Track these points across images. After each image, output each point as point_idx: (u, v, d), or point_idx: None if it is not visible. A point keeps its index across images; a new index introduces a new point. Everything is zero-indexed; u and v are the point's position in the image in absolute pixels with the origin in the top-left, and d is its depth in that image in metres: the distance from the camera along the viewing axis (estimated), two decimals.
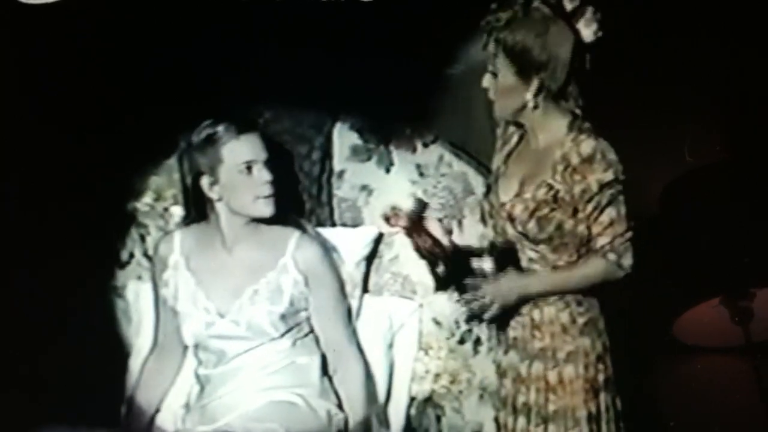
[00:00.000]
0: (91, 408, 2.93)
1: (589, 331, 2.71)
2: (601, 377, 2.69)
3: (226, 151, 2.89)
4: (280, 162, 3.03)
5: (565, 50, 2.59)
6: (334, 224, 3.23)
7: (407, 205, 3.02)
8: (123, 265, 3.17)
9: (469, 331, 3.14)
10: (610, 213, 2.63)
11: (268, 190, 2.90)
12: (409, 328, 3.15)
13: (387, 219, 3.04)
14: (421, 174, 3.19)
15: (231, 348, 2.94)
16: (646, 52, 3.43)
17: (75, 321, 3.03)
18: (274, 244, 2.97)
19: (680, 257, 3.45)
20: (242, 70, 3.16)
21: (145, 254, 3.14)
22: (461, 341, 3.15)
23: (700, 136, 3.57)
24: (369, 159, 3.24)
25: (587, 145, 2.63)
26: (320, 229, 3.14)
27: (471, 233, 3.06)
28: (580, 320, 2.72)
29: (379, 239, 3.18)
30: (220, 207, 2.95)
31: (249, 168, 2.89)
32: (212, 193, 2.92)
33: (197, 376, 3.01)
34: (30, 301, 2.98)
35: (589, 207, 2.64)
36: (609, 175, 2.62)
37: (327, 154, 3.24)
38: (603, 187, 2.62)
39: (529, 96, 2.63)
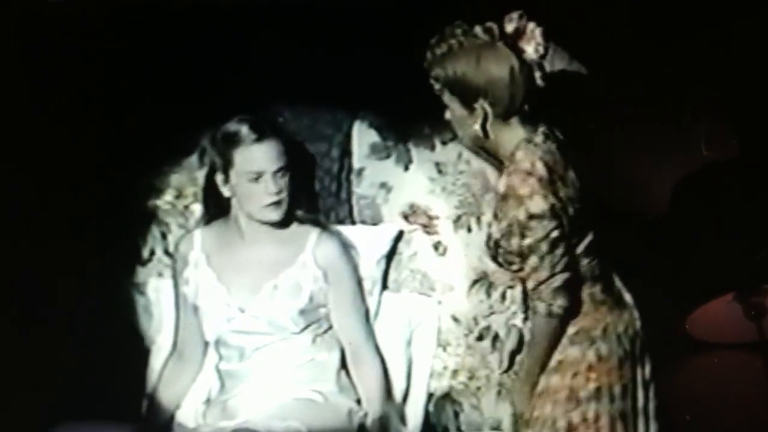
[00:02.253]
0: (113, 403, 2.96)
1: (580, 340, 2.69)
2: (591, 386, 2.66)
3: (237, 156, 2.90)
4: (298, 161, 3.04)
5: (503, 72, 2.57)
6: (353, 222, 3.23)
7: (426, 202, 3.11)
8: (144, 263, 3.19)
9: (487, 327, 3.14)
10: (532, 258, 2.59)
11: (274, 198, 2.90)
12: (427, 325, 3.15)
13: (406, 216, 3.18)
14: (440, 171, 3.18)
15: (251, 343, 2.94)
16: (654, 48, 3.42)
17: (97, 317, 3.06)
18: (294, 240, 2.98)
19: (693, 254, 3.43)
20: (263, 68, 3.18)
21: (166, 251, 3.16)
22: (479, 338, 3.15)
23: (711, 133, 3.54)
24: (388, 157, 3.23)
25: (502, 182, 2.61)
26: (340, 227, 3.15)
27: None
28: (570, 330, 2.70)
29: (398, 237, 3.18)
30: (235, 204, 2.97)
31: (257, 178, 2.89)
32: (225, 191, 2.95)
33: (218, 371, 3.02)
34: (53, 298, 3.01)
35: (513, 247, 2.61)
36: (521, 213, 2.56)
37: (346, 152, 3.24)
38: (522, 227, 2.58)
39: (476, 127, 2.63)
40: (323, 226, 3.02)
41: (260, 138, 2.91)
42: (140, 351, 3.10)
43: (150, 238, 3.18)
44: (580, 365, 2.66)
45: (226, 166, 2.91)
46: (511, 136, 2.64)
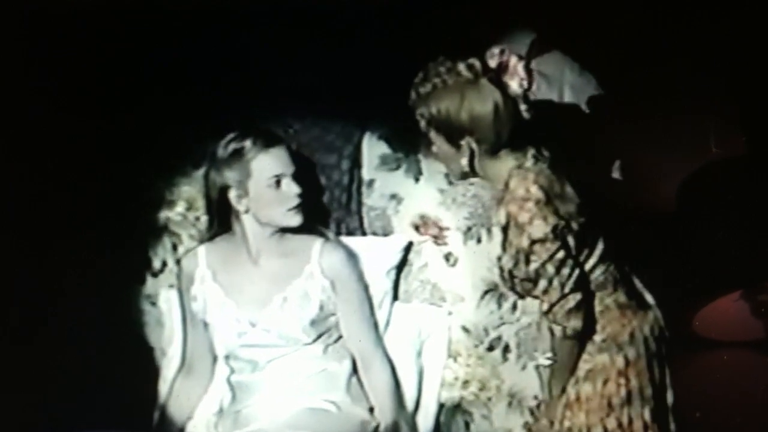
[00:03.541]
0: (124, 415, 2.94)
1: (608, 347, 2.70)
2: (623, 392, 2.68)
3: (255, 165, 2.89)
4: (306, 172, 3.04)
5: (487, 109, 2.56)
6: (364, 233, 3.22)
7: (436, 213, 3.08)
8: (156, 274, 3.19)
9: (498, 338, 3.13)
10: (541, 282, 2.60)
11: (297, 201, 2.91)
12: (438, 336, 3.15)
13: (417, 227, 3.16)
14: (450, 183, 3.15)
15: (263, 356, 2.95)
16: (662, 45, 3.44)
17: (108, 328, 3.07)
18: (299, 252, 2.98)
19: (700, 251, 3.44)
20: (271, 80, 3.18)
21: (178, 262, 3.14)
22: (490, 348, 3.14)
23: (720, 130, 3.57)
24: (398, 168, 3.22)
25: (501, 213, 2.60)
26: (350, 239, 3.14)
27: (499, 241, 2.92)
28: (598, 337, 2.71)
29: (408, 247, 3.17)
30: (246, 219, 2.95)
31: (278, 182, 2.89)
32: (240, 206, 2.93)
33: (229, 383, 3.02)
34: (64, 308, 3.02)
35: (522, 274, 2.63)
36: (524, 241, 2.56)
37: (356, 164, 3.23)
38: (526, 253, 2.58)
39: (464, 162, 2.63)
40: (325, 236, 3.02)
41: (269, 144, 2.91)
42: (151, 362, 3.11)
43: (161, 249, 3.18)
44: (610, 372, 2.67)
45: (243, 179, 2.90)
46: (501, 167, 2.64)
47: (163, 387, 3.07)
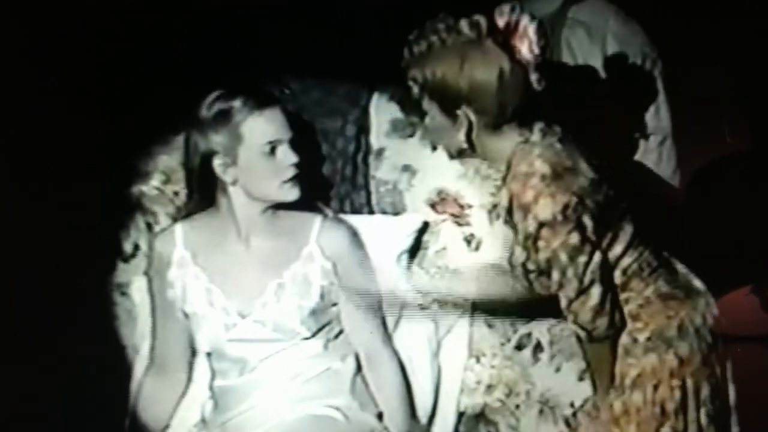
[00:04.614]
0: (92, 422, 2.84)
1: (655, 346, 2.56)
2: (677, 395, 2.56)
3: (246, 128, 2.76)
4: (305, 140, 2.94)
5: (491, 74, 2.43)
6: (371, 211, 3.11)
7: (457, 188, 3.02)
8: (127, 259, 3.04)
9: (528, 334, 3.00)
10: (554, 273, 2.49)
11: (293, 172, 2.79)
12: (457, 333, 3.02)
13: (433, 205, 3.06)
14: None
15: (254, 353, 2.81)
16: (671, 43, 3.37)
17: (73, 322, 2.90)
18: (295, 231, 2.88)
19: (710, 246, 3.36)
20: (264, 34, 3.11)
21: (152, 246, 2.99)
22: (519, 347, 3.01)
23: (734, 122, 3.62)
24: (412, 135, 3.09)
25: (503, 196, 2.51)
26: (355, 217, 3.04)
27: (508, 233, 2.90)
28: (641, 336, 2.58)
29: (423, 229, 3.05)
30: (234, 192, 2.82)
31: (273, 149, 2.78)
32: (226, 176, 2.80)
33: (212, 390, 2.88)
34: (22, 299, 2.86)
35: (533, 265, 2.52)
36: (530, 224, 2.44)
37: (363, 130, 3.11)
38: (534, 240, 2.46)
39: (461, 136, 2.51)
40: (324, 213, 2.93)
41: (263, 105, 2.78)
42: (123, 362, 2.98)
43: (134, 230, 3.04)
44: (661, 373, 2.55)
45: (232, 145, 2.76)
46: (504, 144, 2.54)
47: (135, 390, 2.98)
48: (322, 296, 2.83)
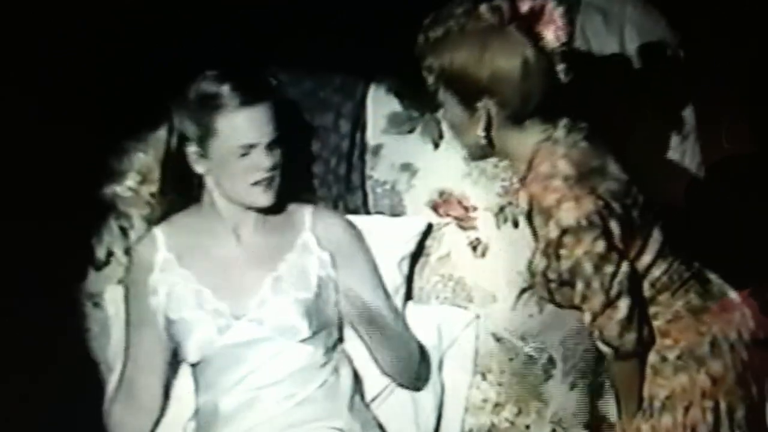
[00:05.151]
0: None
1: (686, 364, 2.50)
2: (710, 417, 2.49)
3: (223, 124, 2.67)
4: (294, 136, 2.86)
5: (514, 63, 2.37)
6: (368, 212, 3.05)
7: (461, 189, 2.98)
8: (100, 267, 2.97)
9: (540, 349, 2.94)
10: (578, 285, 2.41)
11: (264, 175, 2.72)
12: (462, 346, 2.97)
13: (435, 207, 3.02)
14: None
15: (247, 359, 2.71)
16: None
17: (38, 338, 2.82)
18: (288, 221, 2.83)
19: (707, 249, 3.13)
20: (251, 18, 3.00)
21: (128, 252, 2.93)
22: (529, 362, 2.96)
23: (732, 125, 3.50)
24: (412, 131, 3.04)
25: (522, 198, 2.46)
26: (352, 218, 2.95)
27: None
28: (671, 354, 2.51)
29: (426, 233, 2.99)
30: (211, 184, 2.78)
31: (245, 153, 2.72)
32: (198, 167, 2.74)
33: (197, 408, 2.76)
34: None
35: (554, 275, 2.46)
36: (552, 230, 2.37)
37: (359, 125, 3.06)
38: (556, 247, 2.39)
39: (479, 132, 2.45)
40: (314, 202, 2.90)
41: (248, 101, 2.68)
42: (94, 380, 2.89)
43: (107, 235, 2.97)
44: (693, 394, 2.48)
45: (205, 136, 2.68)
46: (525, 140, 2.48)
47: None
48: (318, 288, 2.76)
